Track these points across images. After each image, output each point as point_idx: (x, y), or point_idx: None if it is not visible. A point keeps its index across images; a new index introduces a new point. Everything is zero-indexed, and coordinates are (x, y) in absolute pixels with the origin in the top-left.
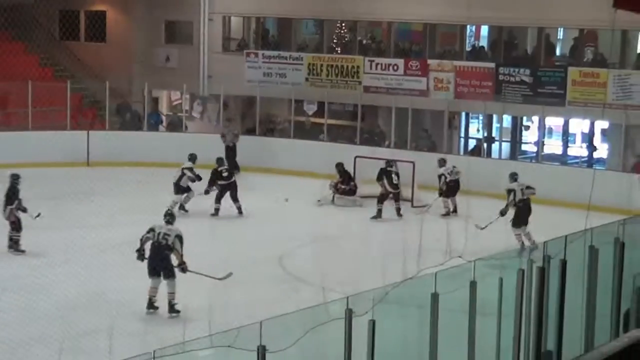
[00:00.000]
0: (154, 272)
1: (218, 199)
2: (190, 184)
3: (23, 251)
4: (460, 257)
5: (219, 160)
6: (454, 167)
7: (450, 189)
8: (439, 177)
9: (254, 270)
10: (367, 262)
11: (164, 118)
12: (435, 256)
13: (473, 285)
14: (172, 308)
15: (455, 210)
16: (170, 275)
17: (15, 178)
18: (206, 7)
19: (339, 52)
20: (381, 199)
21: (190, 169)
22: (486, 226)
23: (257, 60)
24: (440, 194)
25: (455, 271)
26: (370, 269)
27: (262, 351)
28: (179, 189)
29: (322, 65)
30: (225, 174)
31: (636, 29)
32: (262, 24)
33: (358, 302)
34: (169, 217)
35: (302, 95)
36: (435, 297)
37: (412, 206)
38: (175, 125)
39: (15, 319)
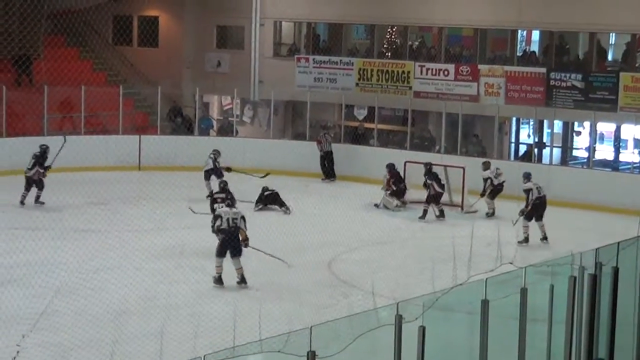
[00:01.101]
0: (223, 253)
1: None
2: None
3: (43, 203)
4: (511, 263)
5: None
6: (497, 169)
7: (496, 191)
8: (485, 180)
9: (304, 275)
10: (417, 268)
11: (214, 123)
12: (485, 262)
13: (524, 291)
14: (242, 280)
15: (493, 213)
16: (238, 253)
17: (45, 147)
18: (258, 12)
19: (389, 57)
20: (431, 200)
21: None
22: (515, 223)
23: (308, 65)
24: (483, 196)
25: (505, 277)
26: (420, 275)
27: (311, 356)
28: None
29: (372, 70)
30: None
31: None
32: (313, 29)
33: (408, 308)
34: (230, 201)
35: (352, 101)
36: (485, 303)
37: (462, 211)
38: (226, 130)
39: (67, 322)
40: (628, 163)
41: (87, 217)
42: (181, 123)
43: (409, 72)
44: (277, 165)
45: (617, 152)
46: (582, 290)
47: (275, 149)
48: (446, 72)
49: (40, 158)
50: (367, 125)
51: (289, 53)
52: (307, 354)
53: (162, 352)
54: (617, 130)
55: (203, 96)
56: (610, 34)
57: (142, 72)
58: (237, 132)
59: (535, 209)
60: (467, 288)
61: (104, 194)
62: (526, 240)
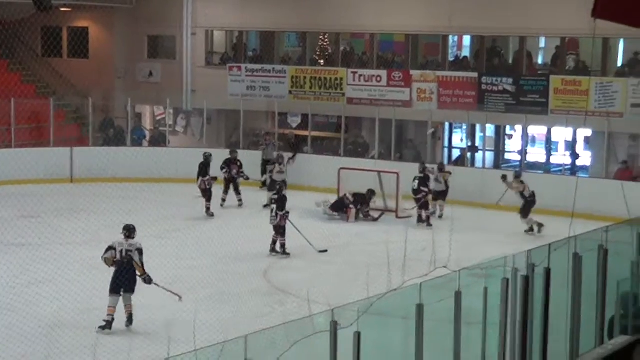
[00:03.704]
0: (117, 289)
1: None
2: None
3: (212, 214)
4: (445, 267)
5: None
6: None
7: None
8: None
9: (239, 283)
10: (352, 274)
11: (147, 133)
12: (420, 267)
13: (458, 295)
14: (130, 318)
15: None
16: (131, 290)
17: (207, 155)
18: (189, 21)
19: (321, 64)
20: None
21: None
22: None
23: (240, 73)
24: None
25: (440, 281)
26: (355, 281)
27: None
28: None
29: (305, 78)
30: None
31: (617, 37)
32: (245, 37)
33: (343, 314)
34: (127, 232)
35: (285, 108)
36: (420, 307)
37: (397, 217)
38: (158, 141)
39: None
40: (559, 165)
41: (19, 231)
42: (113, 134)
43: (341, 79)
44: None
45: (548, 154)
46: (516, 291)
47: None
48: (379, 78)
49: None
50: (301, 132)
51: (221, 62)
52: None
53: None
54: (549, 133)
55: (135, 107)
56: (540, 38)
57: (73, 83)
58: (169, 142)
59: (531, 205)
60: (402, 293)
61: (36, 207)
62: (531, 229)
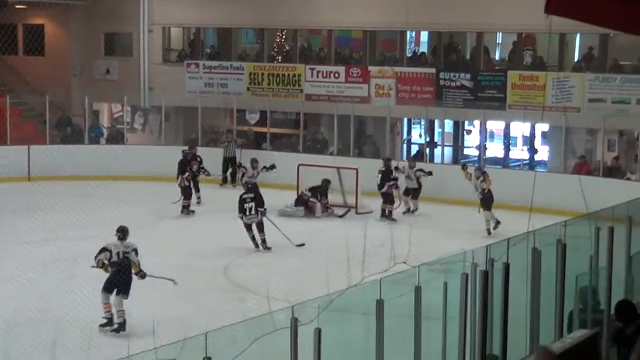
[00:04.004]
0: (111, 289)
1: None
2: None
3: (191, 212)
4: (404, 262)
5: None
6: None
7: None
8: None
9: (199, 280)
10: (311, 270)
11: (104, 131)
12: (379, 262)
13: (418, 290)
14: (123, 324)
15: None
16: (126, 291)
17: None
18: (145, 18)
19: (279, 60)
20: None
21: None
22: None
23: (198, 70)
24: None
25: (399, 277)
26: (315, 277)
27: None
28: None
29: (263, 74)
30: None
31: (573, 32)
32: (202, 34)
33: (303, 310)
34: (121, 233)
35: (244, 105)
36: (380, 303)
37: (357, 213)
38: (116, 138)
39: None
40: (518, 160)
41: None
42: (70, 132)
43: (299, 75)
44: (169, 172)
45: (507, 149)
46: (475, 286)
47: (167, 155)
48: (337, 75)
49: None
50: (259, 129)
51: (179, 59)
52: None
53: None
54: (507, 128)
55: (92, 104)
56: (497, 34)
57: (29, 81)
58: (126, 139)
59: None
60: (362, 289)
61: None
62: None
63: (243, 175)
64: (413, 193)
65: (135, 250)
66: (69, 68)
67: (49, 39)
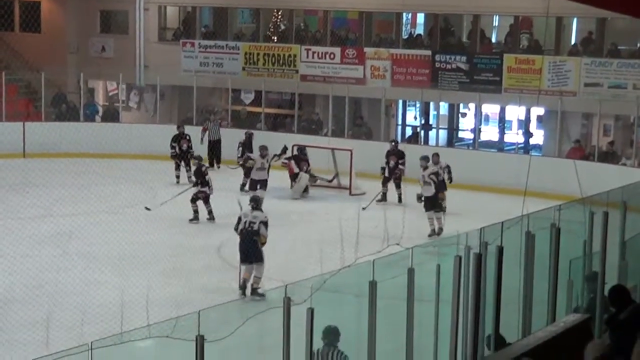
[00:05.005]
0: (245, 258)
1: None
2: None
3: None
4: (398, 244)
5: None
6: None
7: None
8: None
9: (192, 259)
10: (305, 250)
11: (100, 109)
12: (373, 243)
13: (411, 272)
14: (254, 291)
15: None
16: (258, 260)
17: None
18: None
19: (275, 40)
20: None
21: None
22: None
23: (194, 49)
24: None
25: (393, 258)
26: (309, 257)
27: (200, 340)
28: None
29: (258, 54)
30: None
31: (570, 16)
32: (198, 13)
33: (296, 290)
34: (254, 203)
35: (239, 85)
36: (373, 284)
37: (350, 194)
38: (111, 116)
39: None
40: (513, 144)
41: None
42: (66, 109)
43: (295, 55)
44: (164, 151)
45: (502, 133)
46: (468, 269)
47: (162, 134)
48: (332, 56)
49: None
50: (254, 109)
51: (174, 38)
52: (196, 338)
53: (48, 340)
54: (502, 112)
55: (88, 82)
56: (494, 16)
57: (25, 58)
58: (122, 117)
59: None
60: (355, 269)
61: None
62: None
63: (245, 162)
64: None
65: (265, 223)
66: (65, 45)
67: (45, 16)
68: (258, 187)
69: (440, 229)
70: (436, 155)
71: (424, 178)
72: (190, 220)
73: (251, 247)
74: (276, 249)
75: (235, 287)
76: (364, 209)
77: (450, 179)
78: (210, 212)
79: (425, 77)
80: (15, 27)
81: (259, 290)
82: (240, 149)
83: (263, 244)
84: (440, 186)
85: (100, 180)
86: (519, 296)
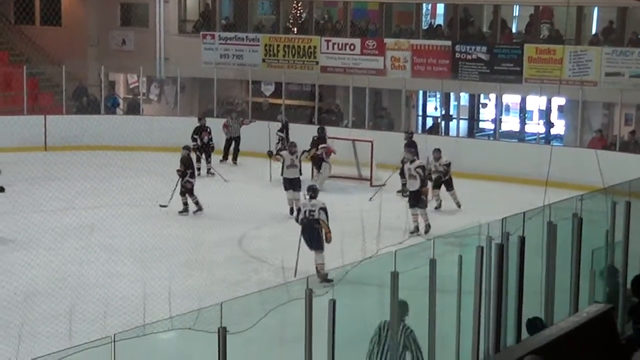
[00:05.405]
0: (310, 245)
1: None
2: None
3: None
4: (419, 235)
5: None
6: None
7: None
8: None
9: (214, 252)
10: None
11: (120, 101)
12: (394, 235)
13: (432, 263)
14: (324, 277)
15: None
16: (318, 247)
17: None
18: None
19: (295, 32)
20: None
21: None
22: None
23: (214, 41)
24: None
25: (414, 249)
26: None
27: (222, 332)
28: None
29: (278, 46)
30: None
31: (591, 5)
32: (218, 5)
33: (318, 282)
34: (312, 192)
35: (259, 77)
36: (395, 275)
37: (372, 185)
38: (132, 109)
39: None
40: (533, 134)
41: None
42: (87, 102)
43: (315, 47)
44: (185, 143)
45: (522, 123)
46: (490, 260)
47: (183, 126)
48: (352, 47)
49: None
50: (275, 100)
51: (194, 30)
52: (218, 330)
53: (71, 333)
54: (523, 102)
55: (108, 75)
56: (514, 6)
57: (46, 51)
58: (142, 110)
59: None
60: (377, 261)
61: (10, 175)
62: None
63: (271, 156)
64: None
65: (324, 210)
66: (86, 38)
67: (65, 9)
68: (290, 186)
69: (428, 226)
70: (437, 151)
71: (409, 171)
72: (180, 212)
73: (312, 234)
74: (296, 241)
75: (257, 279)
76: (370, 199)
77: (449, 177)
78: (197, 203)
79: (445, 68)
80: (36, 20)
81: (328, 276)
82: (279, 139)
83: (327, 232)
84: (425, 181)
85: (122, 173)
86: (540, 286)
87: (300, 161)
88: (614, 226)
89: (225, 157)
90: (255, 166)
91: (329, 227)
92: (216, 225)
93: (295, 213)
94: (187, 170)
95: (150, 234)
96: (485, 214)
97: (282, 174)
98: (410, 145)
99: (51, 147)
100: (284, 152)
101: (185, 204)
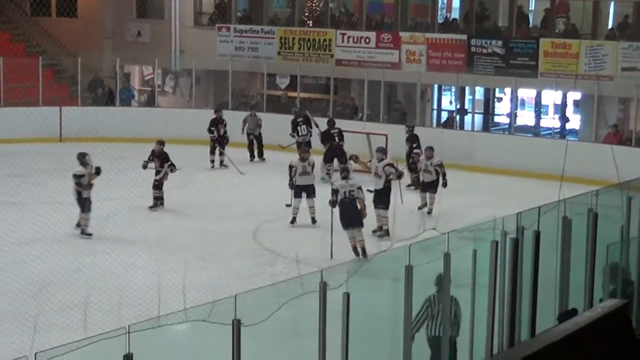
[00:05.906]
0: (349, 225)
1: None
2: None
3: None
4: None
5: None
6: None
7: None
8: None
9: (229, 244)
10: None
11: (136, 93)
12: (409, 228)
13: (447, 257)
14: (364, 252)
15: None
16: (360, 224)
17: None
18: None
19: (310, 25)
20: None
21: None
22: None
23: (229, 34)
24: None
25: (429, 243)
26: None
27: (237, 325)
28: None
29: (294, 39)
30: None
31: None
32: None
33: (332, 275)
34: (345, 172)
35: (274, 69)
36: (409, 269)
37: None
38: (147, 101)
39: None
40: (549, 128)
41: (8, 190)
42: (102, 94)
43: (330, 40)
44: (199, 135)
45: (537, 117)
46: (505, 254)
47: (198, 118)
48: (367, 40)
49: None
50: (289, 93)
51: (210, 22)
52: (233, 322)
53: (86, 323)
54: (538, 96)
55: (124, 66)
56: (530, 0)
57: (62, 42)
58: (157, 102)
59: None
60: (391, 254)
61: (25, 166)
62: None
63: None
64: (430, 187)
65: (360, 188)
66: (101, 30)
67: (81, 1)
68: (303, 195)
69: (387, 232)
70: (430, 149)
71: (376, 169)
72: (150, 207)
73: (356, 213)
74: (311, 234)
75: (271, 271)
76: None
77: (443, 175)
78: (160, 198)
79: (460, 62)
80: (51, 12)
81: (363, 253)
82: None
83: (363, 208)
84: (392, 179)
85: (137, 165)
86: (555, 281)
87: (312, 167)
88: (629, 221)
89: (252, 156)
90: (276, 159)
91: (365, 204)
92: (231, 217)
93: (332, 196)
94: (163, 164)
95: (164, 226)
96: (500, 208)
97: (293, 182)
98: (412, 139)
99: (66, 138)
100: (294, 160)
101: (156, 199)
